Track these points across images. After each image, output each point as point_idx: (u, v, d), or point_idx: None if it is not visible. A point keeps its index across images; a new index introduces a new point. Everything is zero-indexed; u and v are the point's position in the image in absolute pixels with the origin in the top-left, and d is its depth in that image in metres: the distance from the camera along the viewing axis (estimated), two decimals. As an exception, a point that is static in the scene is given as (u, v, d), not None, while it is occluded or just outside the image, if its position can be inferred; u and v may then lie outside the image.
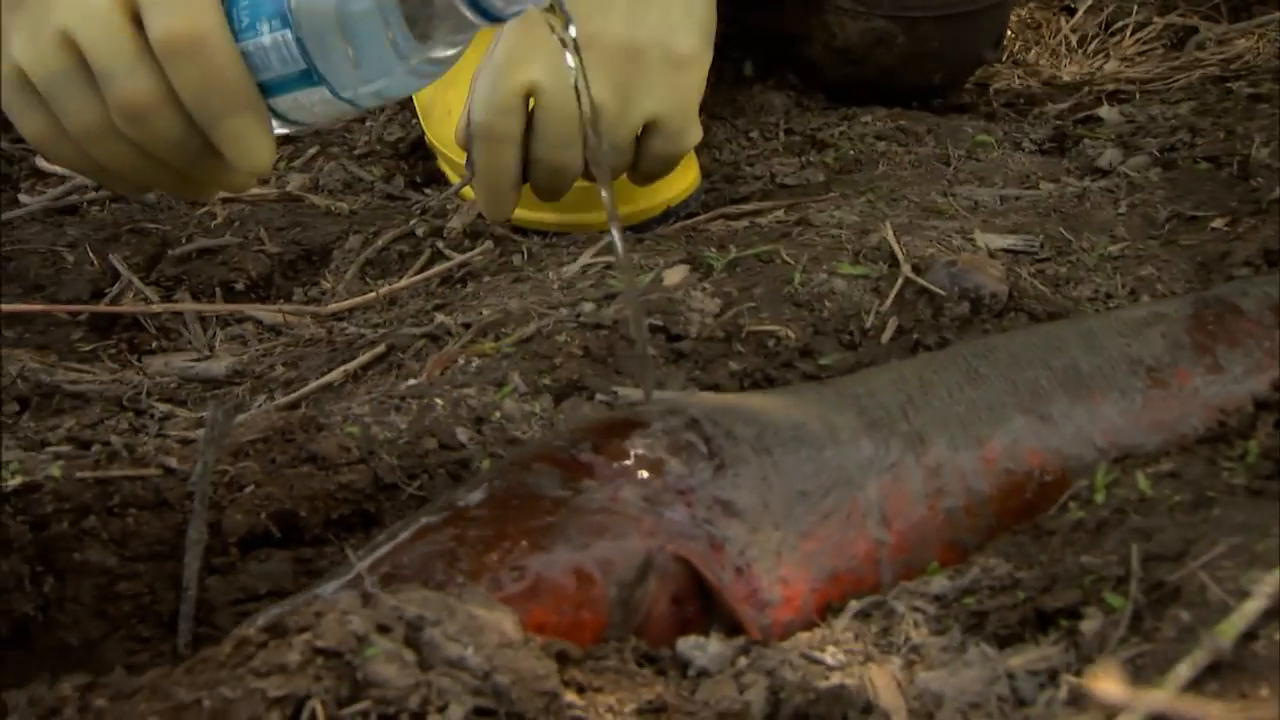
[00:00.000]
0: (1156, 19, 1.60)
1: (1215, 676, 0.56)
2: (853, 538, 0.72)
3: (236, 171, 0.79)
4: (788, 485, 0.72)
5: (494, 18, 0.74)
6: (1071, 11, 1.67)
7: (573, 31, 0.82)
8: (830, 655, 0.64)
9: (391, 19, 0.73)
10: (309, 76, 0.74)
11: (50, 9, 0.74)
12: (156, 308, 1.13)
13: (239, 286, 1.19)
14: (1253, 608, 0.58)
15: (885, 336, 0.96)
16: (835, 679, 0.62)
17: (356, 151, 1.47)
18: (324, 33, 0.72)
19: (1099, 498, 0.73)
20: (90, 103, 0.74)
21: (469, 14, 0.73)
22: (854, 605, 0.69)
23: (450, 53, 0.79)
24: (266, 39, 0.72)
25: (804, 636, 0.67)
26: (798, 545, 0.71)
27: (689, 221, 1.21)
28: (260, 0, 0.73)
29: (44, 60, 0.74)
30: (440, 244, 1.19)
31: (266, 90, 0.75)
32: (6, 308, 1.09)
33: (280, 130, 0.79)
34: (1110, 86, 1.50)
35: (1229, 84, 1.43)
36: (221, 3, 0.74)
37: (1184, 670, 0.55)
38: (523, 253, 1.16)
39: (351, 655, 0.56)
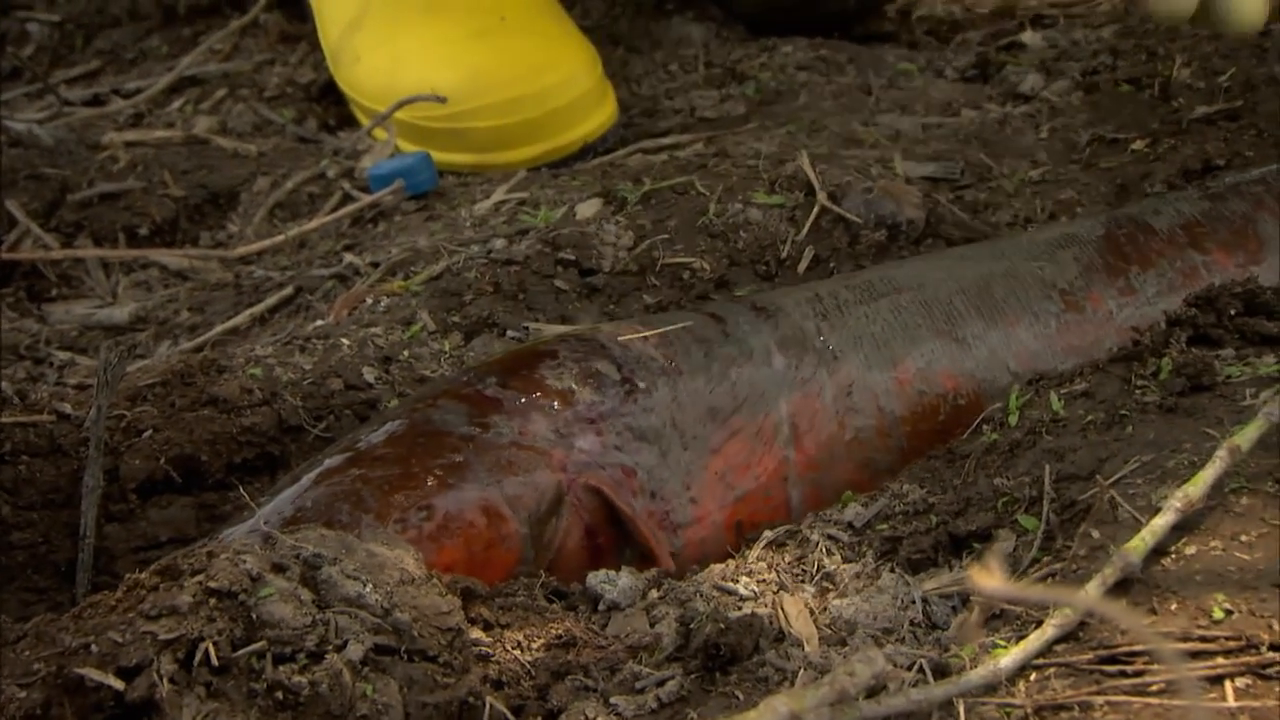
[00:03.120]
0: None
1: (1125, 592, 0.57)
2: (761, 455, 0.72)
3: None
4: (697, 404, 0.73)
5: None
6: None
7: None
8: (743, 585, 0.65)
9: None
10: None
11: None
12: (56, 254, 1.12)
13: (143, 231, 1.17)
14: (1162, 523, 0.58)
15: (802, 266, 0.96)
16: (747, 609, 0.63)
17: (267, 94, 1.45)
18: None
19: (1013, 420, 0.74)
20: None
21: None
22: (768, 534, 0.70)
23: None
24: None
25: (717, 567, 0.68)
26: (707, 464, 0.71)
27: (606, 157, 1.20)
28: None
29: None
30: (350, 186, 1.18)
31: None
32: (-101, 256, 1.08)
33: None
34: (1033, 11, 1.49)
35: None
36: None
37: (1094, 588, 0.56)
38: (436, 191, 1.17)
39: (246, 596, 0.56)
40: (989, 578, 0.34)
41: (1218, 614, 0.56)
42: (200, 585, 0.56)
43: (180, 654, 0.54)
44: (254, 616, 0.55)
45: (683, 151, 1.16)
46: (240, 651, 0.54)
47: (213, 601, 0.55)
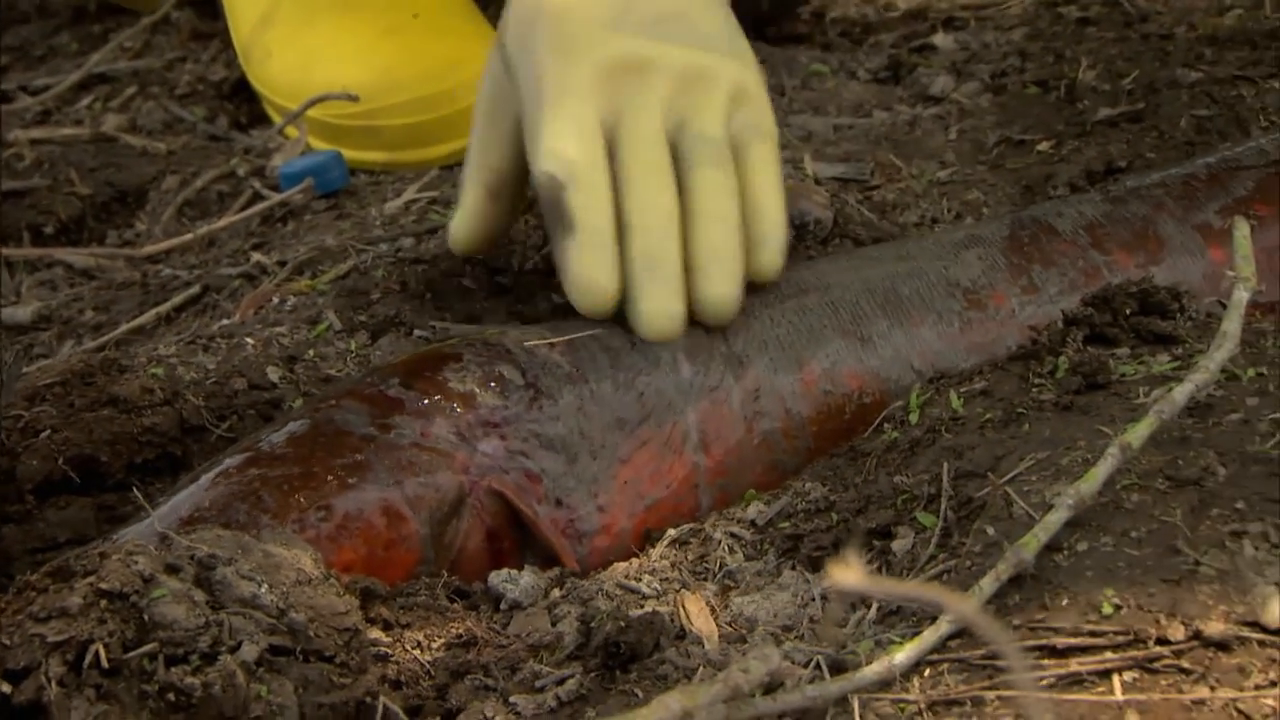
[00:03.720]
0: None
1: (1018, 588, 0.58)
2: (670, 463, 0.71)
3: None
4: (605, 413, 0.72)
5: None
6: None
7: None
8: (645, 584, 0.65)
9: None
10: None
11: None
12: (-42, 253, 1.10)
13: (48, 230, 1.15)
14: (1054, 519, 0.59)
15: None
16: (649, 607, 0.63)
17: (178, 91, 1.42)
18: None
19: (913, 418, 0.73)
20: None
21: None
22: (671, 533, 0.70)
23: None
24: None
25: (620, 566, 0.68)
26: (615, 473, 0.71)
27: None
28: None
29: None
30: (260, 184, 1.16)
31: None
32: None
33: None
34: (945, 14, 1.48)
35: (1059, 8, 1.43)
36: None
37: (987, 584, 0.56)
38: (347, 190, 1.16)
39: (138, 597, 0.55)
40: (848, 574, 0.35)
41: (1107, 609, 0.56)
42: (91, 587, 0.54)
43: (70, 656, 0.52)
44: (146, 618, 0.53)
45: None
46: (131, 653, 0.53)
47: (104, 603, 0.54)
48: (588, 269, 0.76)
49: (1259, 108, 1.13)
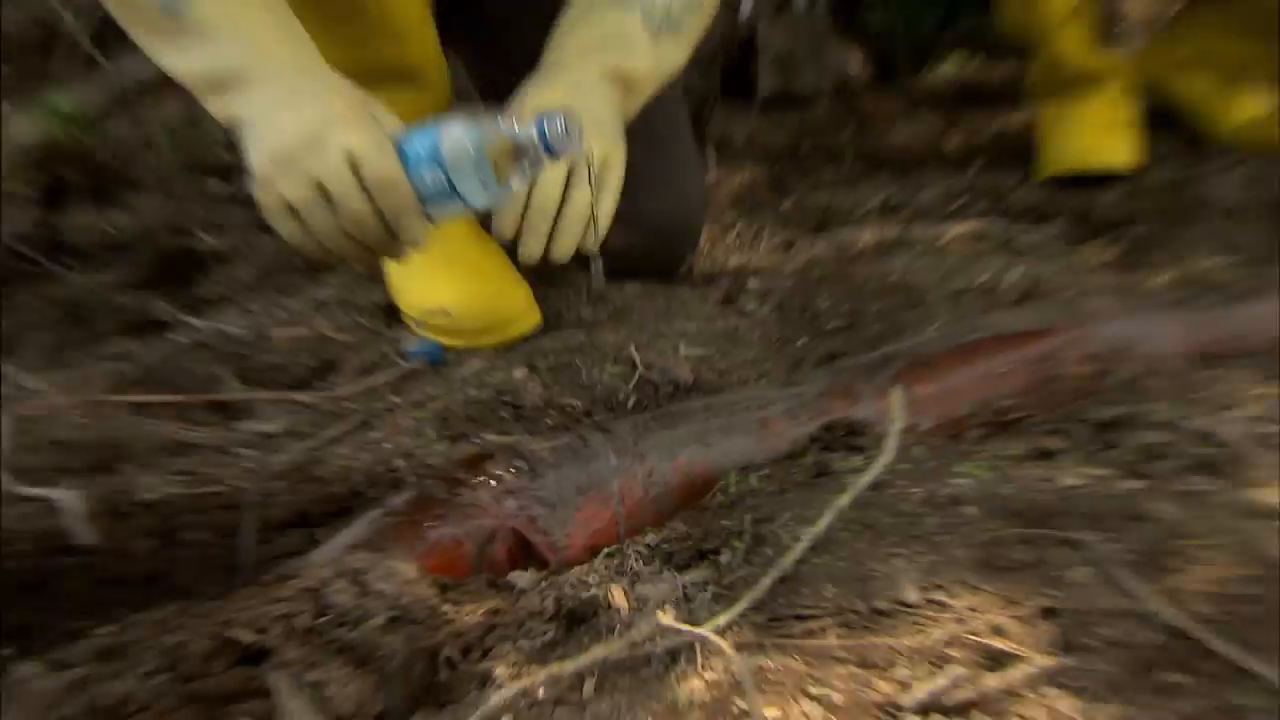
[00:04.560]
0: (777, 232, 1.37)
1: (783, 585, 0.56)
2: (604, 512, 0.69)
3: (404, 247, 0.68)
4: (570, 484, 0.69)
5: (555, 156, 0.66)
6: (733, 227, 1.40)
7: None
8: (591, 579, 0.63)
9: (488, 170, 0.65)
10: (450, 194, 0.65)
11: (308, 170, 0.63)
12: None
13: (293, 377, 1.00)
14: (801, 546, 0.57)
15: (630, 404, 0.89)
16: (593, 592, 0.61)
17: (361, 304, 1.17)
18: (461, 175, 0.64)
19: (732, 490, 0.70)
20: (329, 217, 0.65)
21: (544, 155, 0.65)
22: (605, 550, 0.67)
23: (523, 181, 0.69)
24: (428, 176, 0.64)
25: (577, 569, 0.65)
26: (574, 518, 0.68)
27: (532, 342, 1.05)
28: (424, 156, 0.64)
29: (302, 195, 0.64)
30: (394, 354, 1.03)
31: (423, 201, 0.66)
32: None
33: (428, 221, 0.70)
34: (754, 269, 1.29)
35: (808, 272, 1.22)
36: (397, 149, 0.66)
37: (766, 582, 0.55)
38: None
39: (322, 589, 0.52)
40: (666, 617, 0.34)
41: (828, 593, 0.54)
42: (298, 583, 0.52)
43: (285, 622, 0.50)
44: (324, 602, 0.52)
45: (570, 341, 1.05)
46: (317, 620, 0.50)
47: (304, 593, 0.52)
48: (503, 221, 0.70)
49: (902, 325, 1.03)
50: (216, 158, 1.31)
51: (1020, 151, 1.28)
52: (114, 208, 1.22)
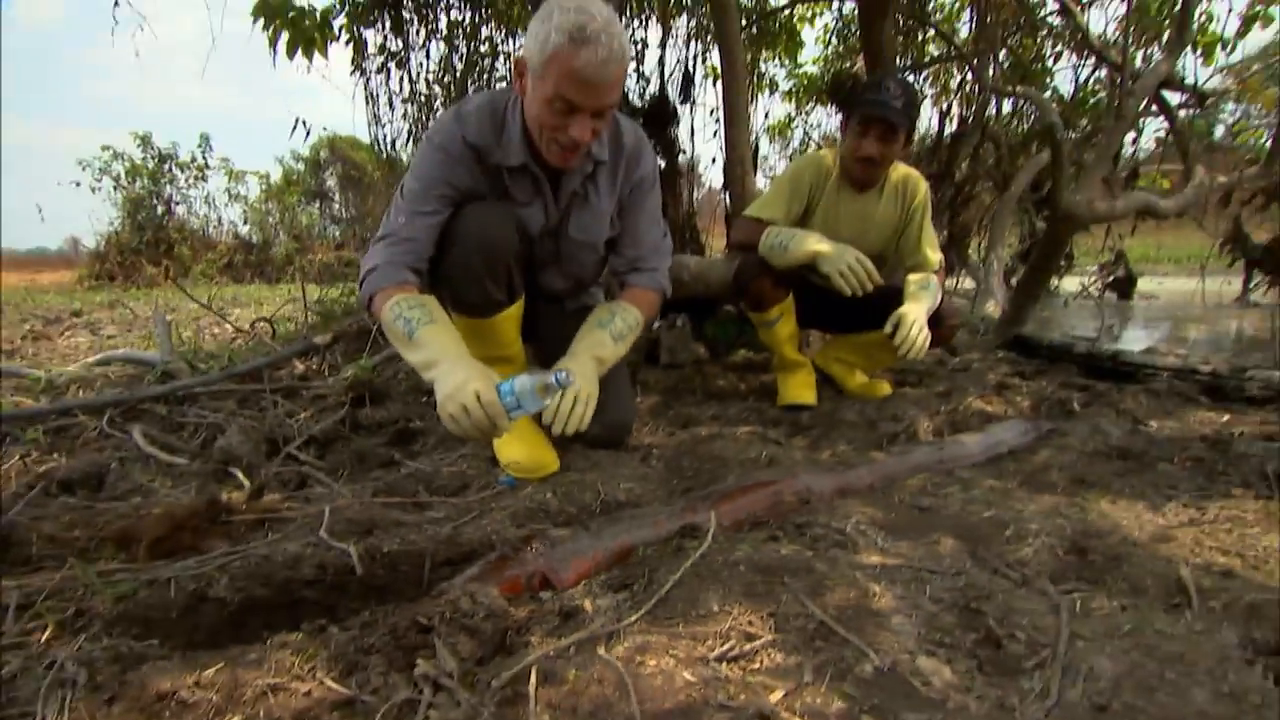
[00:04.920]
0: (666, 427, 1.66)
1: (665, 599, 0.77)
2: (584, 563, 0.91)
3: (500, 432, 1.09)
4: (570, 551, 0.91)
5: (564, 389, 1.09)
6: (646, 424, 1.76)
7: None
8: (576, 596, 0.84)
9: (535, 395, 1.04)
10: (518, 407, 1.04)
11: (459, 401, 1.05)
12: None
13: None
14: (673, 579, 0.78)
15: (598, 510, 1.11)
16: (577, 602, 0.82)
17: (461, 454, 1.45)
18: (524, 399, 1.03)
19: (640, 554, 0.89)
20: (467, 420, 1.05)
21: (556, 386, 1.06)
22: (583, 583, 0.87)
23: (551, 399, 1.12)
24: (509, 400, 1.04)
25: (570, 591, 0.86)
26: (570, 565, 0.90)
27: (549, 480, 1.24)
28: (506, 392, 1.06)
29: (456, 412, 1.04)
30: (496, 483, 1.20)
31: (507, 411, 1.05)
32: None
33: (510, 420, 1.06)
34: (655, 444, 1.56)
35: (683, 446, 1.53)
36: (496, 390, 1.05)
37: (655, 598, 0.76)
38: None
39: (457, 598, 0.73)
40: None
41: (714, 608, 0.73)
42: (446, 605, 0.73)
43: (439, 623, 0.70)
44: (456, 606, 0.73)
45: (571, 478, 1.28)
46: (454, 613, 0.72)
47: (449, 602, 0.73)
48: (544, 417, 1.10)
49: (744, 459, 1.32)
50: (425, 388, 1.82)
51: (770, 393, 1.92)
52: (380, 408, 1.76)
